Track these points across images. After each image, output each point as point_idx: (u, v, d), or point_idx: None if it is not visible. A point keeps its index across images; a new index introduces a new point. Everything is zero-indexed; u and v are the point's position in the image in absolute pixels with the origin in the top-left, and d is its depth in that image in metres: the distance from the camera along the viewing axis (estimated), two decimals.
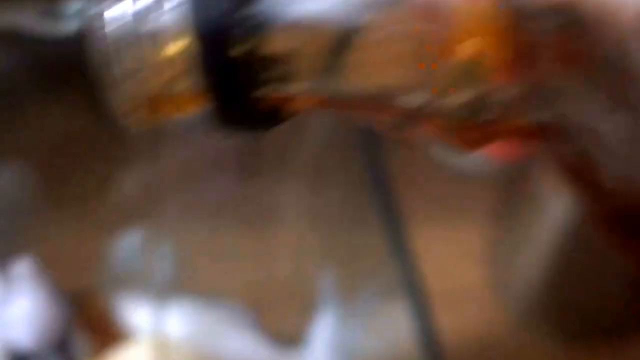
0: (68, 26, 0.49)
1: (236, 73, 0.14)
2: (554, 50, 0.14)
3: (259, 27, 0.14)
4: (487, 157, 0.18)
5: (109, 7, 0.14)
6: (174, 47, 0.14)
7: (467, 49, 0.14)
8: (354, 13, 0.14)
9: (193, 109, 0.15)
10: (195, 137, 0.46)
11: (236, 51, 0.14)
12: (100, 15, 0.14)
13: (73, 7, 0.49)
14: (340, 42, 0.14)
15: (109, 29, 0.14)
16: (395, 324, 0.41)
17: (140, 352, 0.41)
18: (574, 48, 0.14)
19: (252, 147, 0.47)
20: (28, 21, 0.50)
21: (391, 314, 0.41)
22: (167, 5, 0.14)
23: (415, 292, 0.41)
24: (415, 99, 0.15)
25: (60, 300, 0.35)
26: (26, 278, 0.34)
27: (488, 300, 0.43)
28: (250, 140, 0.45)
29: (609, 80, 0.14)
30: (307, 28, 0.14)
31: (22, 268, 0.34)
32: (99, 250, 0.41)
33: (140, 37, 0.14)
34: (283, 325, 0.43)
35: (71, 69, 0.38)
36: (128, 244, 0.46)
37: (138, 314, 0.43)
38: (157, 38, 0.14)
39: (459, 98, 0.15)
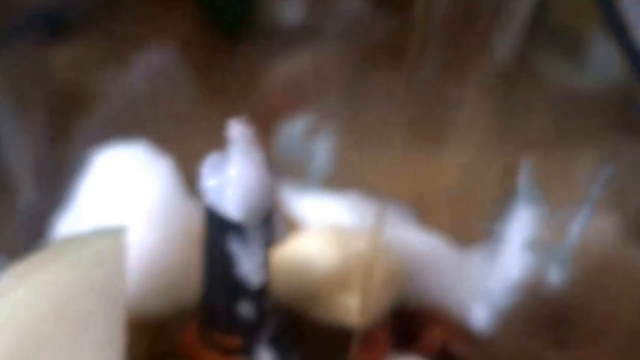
0: None
1: None
2: None
3: None
4: None
5: None
6: None
7: None
8: None
9: None
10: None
11: None
12: None
13: None
14: None
15: None
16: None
17: (316, 240, 0.39)
18: None
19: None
20: None
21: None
22: None
23: None
24: None
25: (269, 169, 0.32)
26: (240, 143, 0.31)
27: None
28: None
29: None
30: None
31: (237, 131, 0.31)
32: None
33: None
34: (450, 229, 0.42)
35: None
36: (292, 133, 0.44)
37: (303, 203, 0.41)
38: None
39: None
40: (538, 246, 0.38)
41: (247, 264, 0.33)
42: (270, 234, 0.34)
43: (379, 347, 0.39)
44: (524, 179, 0.38)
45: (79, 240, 0.33)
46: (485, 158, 0.43)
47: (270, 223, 0.33)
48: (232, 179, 0.31)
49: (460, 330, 0.41)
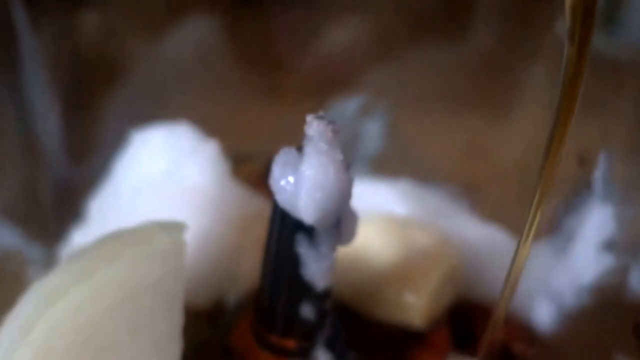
0: None
1: None
2: None
3: None
4: None
5: None
6: None
7: None
8: None
9: None
10: None
11: None
12: None
13: None
14: None
15: None
16: None
17: (376, 234, 0.37)
18: None
19: None
20: None
21: None
22: None
23: None
24: None
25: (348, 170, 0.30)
26: (318, 141, 0.29)
27: None
28: None
29: None
30: None
31: (315, 128, 0.29)
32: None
33: None
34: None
35: None
36: (343, 112, 0.42)
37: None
38: None
39: None
40: (618, 248, 0.37)
41: (314, 267, 0.32)
42: (340, 236, 0.32)
43: (440, 347, 0.38)
44: (600, 173, 0.37)
45: (137, 236, 0.32)
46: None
47: (341, 224, 0.32)
48: (307, 179, 0.29)
49: (522, 330, 0.40)
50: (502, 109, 0.45)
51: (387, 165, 0.44)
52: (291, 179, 0.29)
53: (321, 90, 0.47)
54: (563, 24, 0.44)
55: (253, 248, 0.39)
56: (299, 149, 0.29)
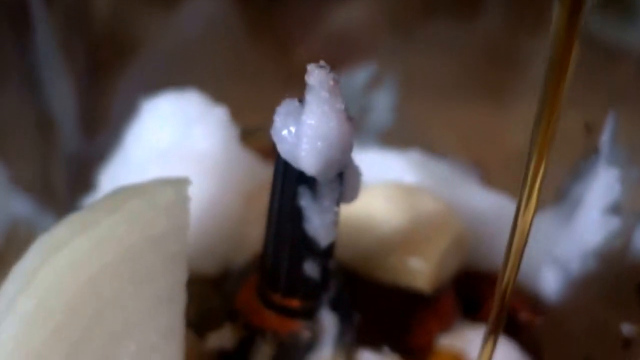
0: None
1: None
2: None
3: None
4: None
5: None
6: None
7: None
8: None
9: None
10: None
11: None
12: None
13: None
14: None
15: None
16: None
17: (381, 198, 0.37)
18: None
19: None
20: None
21: None
22: None
23: None
24: None
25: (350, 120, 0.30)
26: (320, 90, 0.29)
27: None
28: None
29: None
30: None
31: (317, 77, 0.29)
32: None
33: None
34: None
35: None
36: (351, 84, 0.42)
37: (361, 159, 0.38)
38: None
39: None
40: (624, 210, 0.36)
41: (317, 221, 0.31)
42: (342, 189, 0.32)
43: (446, 313, 0.38)
44: (607, 137, 0.36)
45: (140, 191, 0.32)
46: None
47: (344, 177, 0.31)
48: (309, 128, 0.29)
49: (528, 298, 0.40)
50: (510, 92, 0.44)
51: (396, 139, 0.44)
52: (293, 128, 0.28)
53: (331, 64, 0.46)
54: None
55: (260, 216, 0.38)
56: (301, 100, 0.29)
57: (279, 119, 0.29)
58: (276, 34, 0.45)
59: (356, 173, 0.31)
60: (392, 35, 0.44)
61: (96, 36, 0.45)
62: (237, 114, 0.41)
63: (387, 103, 0.44)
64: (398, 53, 0.44)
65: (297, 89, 0.31)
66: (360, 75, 0.43)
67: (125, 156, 0.42)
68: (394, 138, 0.43)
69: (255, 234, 0.38)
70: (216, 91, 0.42)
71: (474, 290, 0.39)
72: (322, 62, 0.28)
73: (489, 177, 0.42)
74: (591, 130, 0.36)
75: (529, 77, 0.43)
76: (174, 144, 0.40)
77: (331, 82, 0.28)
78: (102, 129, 0.45)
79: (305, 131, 0.28)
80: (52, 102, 0.44)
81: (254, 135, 0.43)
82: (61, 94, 0.45)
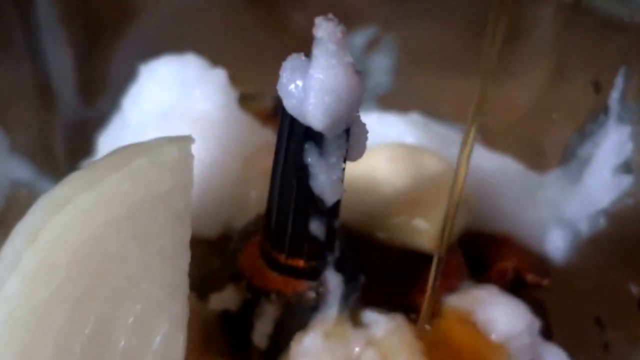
0: None
1: None
2: None
3: None
4: None
5: None
6: None
7: None
8: None
9: None
10: None
11: None
12: None
13: None
14: None
15: None
16: None
17: (385, 158, 0.36)
18: None
19: None
20: None
21: None
22: None
23: None
24: None
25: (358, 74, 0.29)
26: (328, 43, 0.28)
27: None
28: None
29: None
30: None
31: (325, 30, 0.28)
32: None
33: None
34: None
35: None
36: (350, 45, 0.41)
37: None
38: None
39: None
40: (635, 168, 0.35)
41: (324, 178, 0.31)
42: (349, 148, 0.31)
43: (453, 273, 0.37)
44: (617, 95, 0.36)
45: (143, 149, 0.31)
46: (561, 79, 0.40)
47: (351, 134, 0.31)
48: (316, 82, 0.28)
49: (535, 259, 0.39)
50: (511, 59, 0.43)
51: (395, 103, 0.43)
52: (300, 82, 0.28)
53: None
54: None
55: (260, 178, 0.38)
56: (308, 55, 0.28)
57: (285, 74, 0.28)
58: (273, 1, 0.45)
59: (363, 129, 0.31)
60: (391, 1, 0.44)
61: (94, 2, 0.44)
62: (233, 81, 0.41)
63: (386, 67, 0.43)
64: (398, 19, 0.43)
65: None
66: (359, 37, 0.43)
67: (124, 120, 0.41)
68: (393, 102, 0.42)
69: (255, 196, 0.38)
70: (212, 58, 0.41)
71: (479, 250, 0.39)
72: (330, 15, 0.28)
73: (490, 141, 0.41)
74: (600, 89, 0.36)
75: (530, 44, 0.42)
76: (173, 106, 0.39)
77: (339, 35, 0.27)
78: (100, 94, 0.44)
79: (312, 85, 0.28)
80: (50, 68, 0.44)
81: (252, 100, 0.42)
82: (60, 60, 0.44)
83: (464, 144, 0.28)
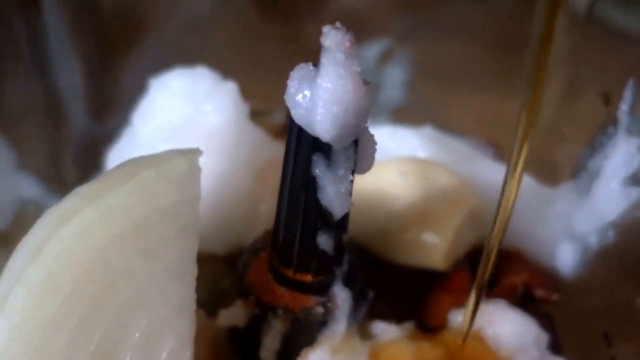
0: None
1: None
2: None
3: None
4: None
5: None
6: None
7: None
8: None
9: None
10: None
11: None
12: None
13: None
14: None
15: None
16: None
17: (395, 172, 0.35)
18: None
19: None
20: None
21: None
22: None
23: None
24: None
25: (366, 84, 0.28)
26: (335, 53, 0.27)
27: None
28: None
29: None
30: None
31: (333, 39, 0.27)
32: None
33: None
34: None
35: None
36: (364, 56, 0.40)
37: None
38: None
39: None
40: None
41: (332, 191, 0.30)
42: (357, 160, 0.30)
43: (460, 290, 0.36)
44: (626, 107, 0.34)
45: (150, 162, 0.30)
46: (571, 93, 0.39)
47: (359, 145, 0.30)
48: (324, 92, 0.27)
49: (545, 274, 0.38)
50: (523, 74, 0.42)
51: (407, 116, 0.42)
52: (307, 93, 0.27)
53: None
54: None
55: (270, 193, 0.37)
56: (315, 65, 0.27)
57: (292, 83, 0.27)
58: (285, 12, 0.44)
59: (371, 141, 0.29)
60: (405, 15, 0.43)
61: (104, 16, 0.44)
62: (244, 96, 0.40)
63: (400, 80, 0.42)
64: (412, 32, 0.42)
65: None
66: (372, 49, 0.42)
67: (134, 135, 0.40)
68: (406, 116, 0.41)
69: (265, 211, 0.37)
70: (225, 69, 0.40)
71: None
72: (337, 24, 0.27)
73: (502, 156, 0.40)
74: (609, 101, 0.35)
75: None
76: (183, 120, 0.38)
77: (347, 44, 0.26)
78: (110, 109, 0.43)
79: (320, 95, 0.27)
80: (59, 83, 0.43)
81: (263, 115, 0.41)
82: (69, 74, 0.43)
83: (510, 178, 0.26)
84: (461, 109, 0.41)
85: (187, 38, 0.44)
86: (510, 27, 0.42)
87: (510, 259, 0.37)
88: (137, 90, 0.41)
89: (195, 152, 0.30)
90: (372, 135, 0.29)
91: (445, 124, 0.41)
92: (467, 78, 0.42)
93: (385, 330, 0.32)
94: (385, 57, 0.41)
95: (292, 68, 0.28)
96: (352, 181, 0.29)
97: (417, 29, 0.41)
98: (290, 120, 0.28)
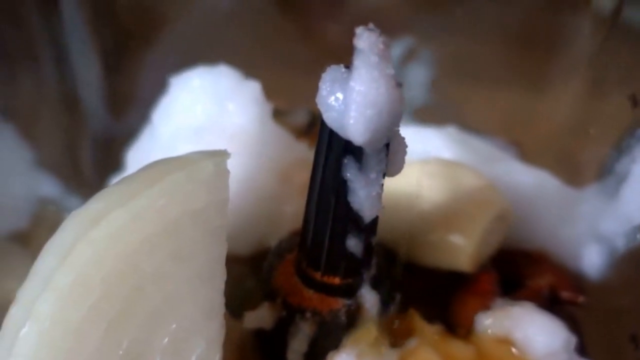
0: None
1: None
2: None
3: None
4: None
5: None
6: None
7: None
8: None
9: None
10: None
11: None
12: None
13: None
14: None
15: None
16: None
17: (421, 174, 0.34)
18: None
19: None
20: None
21: None
22: None
23: None
24: None
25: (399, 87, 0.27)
26: (369, 55, 0.27)
27: None
28: None
29: None
30: None
31: (366, 41, 0.27)
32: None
33: None
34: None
35: None
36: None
37: None
38: None
39: None
40: None
41: (363, 194, 0.29)
42: (388, 163, 0.29)
43: (486, 292, 0.36)
44: None
45: (178, 164, 0.29)
46: (598, 94, 0.38)
47: (390, 148, 0.29)
48: (357, 95, 0.26)
49: (571, 276, 0.37)
50: (547, 74, 0.42)
51: (431, 116, 0.41)
52: (340, 95, 0.26)
53: None
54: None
55: (295, 194, 0.36)
56: (348, 66, 0.26)
57: (324, 86, 0.27)
58: (306, 9, 0.43)
59: (402, 144, 0.29)
60: (426, 12, 0.42)
61: (123, 13, 0.43)
62: (268, 94, 0.39)
63: (423, 79, 0.41)
64: (433, 31, 0.41)
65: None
66: (395, 48, 0.41)
67: (154, 134, 0.39)
68: (430, 115, 0.40)
69: (289, 211, 0.36)
70: (245, 68, 0.40)
71: (514, 267, 0.37)
72: (371, 25, 0.26)
73: (526, 157, 0.40)
74: (637, 103, 0.34)
75: (566, 58, 0.41)
76: (205, 120, 0.37)
77: (381, 46, 0.26)
78: (129, 106, 0.43)
79: (354, 98, 0.26)
80: (78, 81, 0.42)
81: (285, 115, 0.41)
82: (87, 71, 0.42)
83: None
84: (484, 108, 0.40)
85: (206, 35, 0.43)
86: (534, 24, 0.41)
87: (536, 260, 0.36)
88: (157, 88, 0.41)
89: (222, 154, 0.29)
90: (403, 138, 0.28)
91: (468, 123, 0.40)
92: (489, 76, 0.41)
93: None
94: (408, 56, 0.40)
95: (312, 66, 0.27)
96: (382, 184, 0.29)
97: (439, 27, 0.40)
98: (322, 123, 0.27)
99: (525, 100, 0.40)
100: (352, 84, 0.26)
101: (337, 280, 0.31)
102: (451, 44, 0.41)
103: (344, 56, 0.30)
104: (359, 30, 0.25)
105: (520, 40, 0.40)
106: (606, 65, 0.36)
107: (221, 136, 0.36)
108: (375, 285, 0.32)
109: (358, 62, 0.25)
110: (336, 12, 0.42)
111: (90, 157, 0.42)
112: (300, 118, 0.40)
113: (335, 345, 0.32)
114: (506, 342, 0.32)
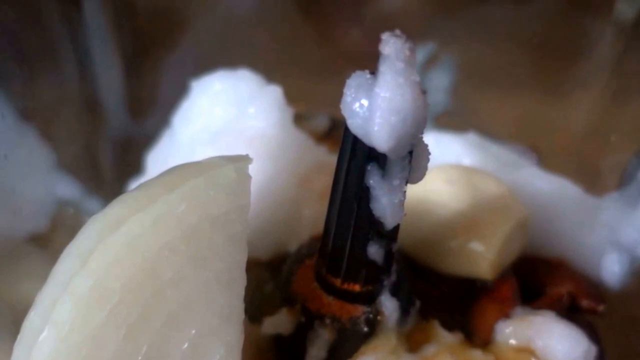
0: None
1: None
2: None
3: None
4: None
5: None
6: None
7: None
8: None
9: None
10: None
11: None
12: None
13: None
14: None
15: None
16: None
17: (441, 181, 0.33)
18: None
19: None
20: None
21: None
22: None
23: None
24: None
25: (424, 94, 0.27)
26: (395, 61, 0.26)
27: None
28: None
29: None
30: None
31: (392, 47, 0.26)
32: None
33: None
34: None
35: None
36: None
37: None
38: None
39: None
40: None
41: (385, 201, 0.28)
42: (410, 168, 0.28)
43: (506, 300, 0.35)
44: None
45: (199, 168, 0.29)
46: (618, 102, 0.37)
47: (413, 155, 0.28)
48: (382, 102, 0.26)
49: (591, 284, 0.36)
50: (566, 80, 0.41)
51: (451, 122, 0.40)
52: (365, 102, 0.25)
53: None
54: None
55: (315, 199, 0.35)
56: (373, 72, 0.26)
57: (349, 92, 0.26)
58: (327, 14, 0.42)
59: (425, 151, 0.28)
60: (448, 19, 0.41)
61: (145, 15, 0.42)
62: (288, 99, 0.38)
63: (443, 85, 0.41)
64: (453, 37, 0.40)
65: (349, 71, 0.28)
66: (419, 51, 0.40)
67: (174, 137, 0.39)
68: (450, 121, 0.40)
69: (309, 216, 0.35)
70: (265, 72, 0.39)
71: (533, 275, 0.36)
72: (397, 31, 0.25)
73: (546, 163, 0.39)
74: None
75: (587, 64, 0.40)
76: (226, 124, 0.37)
77: (407, 52, 0.25)
78: (149, 109, 0.42)
79: (378, 104, 0.25)
80: (98, 83, 0.41)
81: (305, 120, 0.40)
82: (108, 74, 0.42)
83: None
84: (504, 114, 0.39)
85: (227, 39, 0.42)
86: (555, 30, 0.40)
87: (556, 268, 0.35)
88: (177, 92, 0.40)
89: (244, 160, 0.28)
90: (427, 145, 0.28)
91: (488, 130, 0.39)
92: (510, 82, 0.40)
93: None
94: (429, 62, 0.40)
95: (332, 71, 0.27)
96: (405, 192, 0.28)
97: (459, 33, 0.40)
98: (345, 129, 0.27)
99: (545, 107, 0.39)
100: (377, 90, 0.25)
101: (357, 287, 0.31)
102: (471, 49, 0.40)
103: (364, 61, 0.29)
104: (385, 36, 0.24)
105: (541, 46, 0.39)
106: (627, 73, 0.35)
107: (241, 140, 0.35)
108: (395, 292, 0.31)
109: (384, 68, 0.25)
110: (357, 17, 0.41)
111: (109, 160, 0.41)
112: (321, 123, 0.40)
113: (354, 351, 0.31)
114: (526, 351, 0.32)
